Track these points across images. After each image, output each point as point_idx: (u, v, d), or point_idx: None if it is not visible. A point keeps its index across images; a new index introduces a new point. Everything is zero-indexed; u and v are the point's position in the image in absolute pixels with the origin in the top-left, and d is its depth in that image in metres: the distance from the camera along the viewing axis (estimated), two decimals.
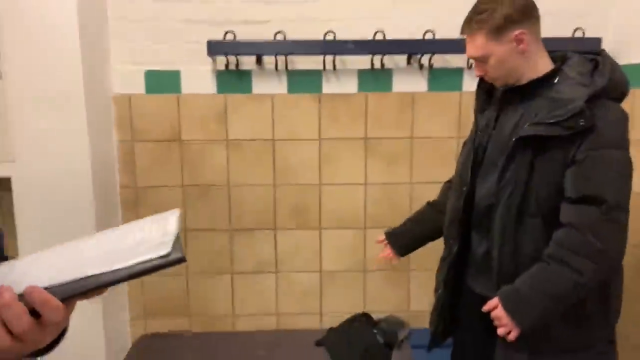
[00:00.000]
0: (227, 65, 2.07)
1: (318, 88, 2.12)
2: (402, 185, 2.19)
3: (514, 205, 1.28)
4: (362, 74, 2.11)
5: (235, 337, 2.20)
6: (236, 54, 2.05)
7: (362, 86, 2.12)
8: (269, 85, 2.12)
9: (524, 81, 1.31)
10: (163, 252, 0.50)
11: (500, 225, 1.30)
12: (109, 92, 2.08)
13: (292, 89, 2.12)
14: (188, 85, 2.11)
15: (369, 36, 2.02)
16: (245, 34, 2.04)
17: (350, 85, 2.12)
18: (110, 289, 0.51)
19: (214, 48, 2.01)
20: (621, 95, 1.28)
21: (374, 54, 2.04)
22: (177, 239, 0.52)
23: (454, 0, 2.01)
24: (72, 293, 0.49)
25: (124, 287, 2.19)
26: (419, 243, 1.69)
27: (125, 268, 0.50)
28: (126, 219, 2.16)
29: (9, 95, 1.81)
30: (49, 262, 0.57)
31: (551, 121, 1.21)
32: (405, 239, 1.68)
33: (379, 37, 2.02)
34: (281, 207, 2.19)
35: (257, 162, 2.16)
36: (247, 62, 2.10)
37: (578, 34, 2.01)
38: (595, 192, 1.18)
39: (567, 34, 2.01)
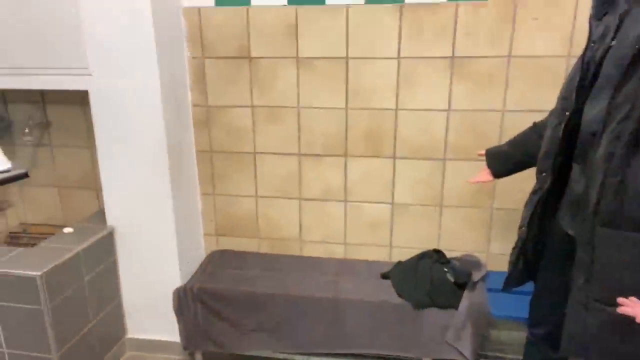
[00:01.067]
0: None
1: None
2: (492, 113, 1.90)
3: (626, 130, 1.02)
4: None
5: (302, 260, 2.20)
6: None
7: None
8: None
9: None
10: (3, 168, 0.45)
11: (605, 153, 1.06)
12: (179, 5, 2.00)
13: None
14: None
15: None
16: None
17: None
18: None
19: None
20: None
21: None
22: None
23: None
24: None
25: (197, 205, 2.25)
26: (519, 167, 1.55)
27: None
28: (198, 138, 2.17)
29: (84, 12, 1.81)
30: None
31: None
32: (503, 160, 1.57)
33: None
34: (353, 132, 2.04)
35: (328, 82, 1.99)
36: None
37: None
38: None
39: None
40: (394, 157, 2.04)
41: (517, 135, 1.57)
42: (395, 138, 2.01)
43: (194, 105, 2.13)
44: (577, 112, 1.20)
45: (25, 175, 0.46)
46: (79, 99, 2.18)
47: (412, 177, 2.05)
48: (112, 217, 2.06)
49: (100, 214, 2.12)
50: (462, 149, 1.96)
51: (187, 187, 2.15)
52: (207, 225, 2.30)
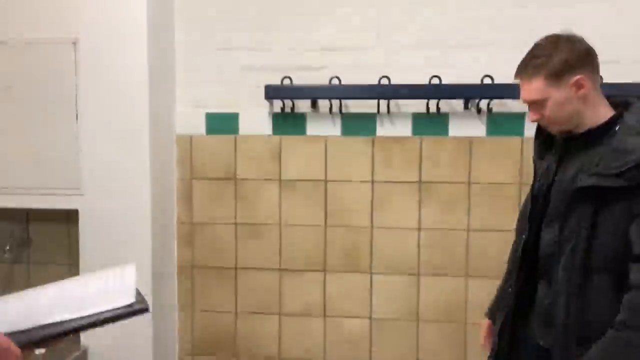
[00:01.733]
0: (282, 109, 2.13)
1: (372, 131, 2.12)
2: (458, 232, 2.10)
3: (578, 258, 1.20)
4: (417, 117, 2.09)
5: None
6: (292, 98, 2.10)
7: (416, 130, 2.10)
8: (323, 127, 2.15)
9: (584, 129, 1.25)
10: (127, 302, 0.51)
11: (565, 278, 1.22)
12: (173, 133, 2.20)
13: (345, 131, 2.14)
14: (245, 127, 2.18)
15: (424, 82, 2.00)
16: (301, 79, 2.10)
17: (404, 129, 2.10)
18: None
19: (272, 92, 2.07)
20: None
21: (428, 98, 2.02)
22: (138, 292, 0.54)
23: (511, 46, 1.99)
24: (35, 339, 0.49)
25: (173, 322, 2.24)
26: None
27: (90, 316, 0.50)
28: (181, 254, 2.23)
29: (83, 135, 1.96)
30: (11, 307, 0.58)
31: (611, 172, 1.15)
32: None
33: (435, 82, 2.00)
34: (331, 249, 2.17)
35: (309, 202, 2.17)
36: (303, 105, 2.15)
37: None
38: None
39: (630, 80, 1.89)
40: (371, 273, 2.16)
41: (502, 280, 1.57)
42: (371, 254, 2.15)
43: (180, 223, 2.23)
44: (536, 235, 1.36)
45: (145, 310, 0.50)
46: (64, 217, 2.23)
47: (389, 291, 2.16)
48: (87, 337, 2.00)
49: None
50: (433, 264, 2.12)
51: (166, 304, 2.15)
52: (183, 345, 2.26)
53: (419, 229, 2.12)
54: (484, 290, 1.75)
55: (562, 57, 1.21)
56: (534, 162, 1.44)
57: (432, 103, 2.05)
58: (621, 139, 1.18)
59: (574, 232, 1.21)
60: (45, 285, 0.63)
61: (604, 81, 1.48)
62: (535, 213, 1.36)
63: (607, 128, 1.22)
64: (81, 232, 1.99)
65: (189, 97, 2.19)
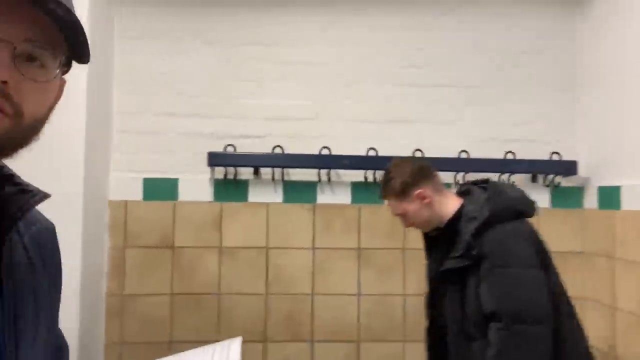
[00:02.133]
0: (225, 175, 2.15)
1: (313, 198, 2.19)
2: (395, 297, 2.18)
3: (458, 331, 1.42)
4: (355, 186, 2.21)
5: None
6: (235, 166, 2.13)
7: (355, 198, 2.20)
8: (265, 194, 2.18)
9: (444, 223, 1.51)
10: None
11: (453, 348, 1.44)
12: (106, 198, 2.10)
13: (287, 198, 2.19)
14: (185, 193, 2.15)
15: (362, 152, 2.15)
16: (244, 146, 2.15)
17: (344, 197, 2.20)
18: None
19: (214, 159, 2.09)
20: (518, 214, 1.43)
21: (367, 169, 2.15)
22: None
23: (437, 124, 2.22)
24: None
25: None
26: None
27: None
28: (109, 328, 2.06)
29: None
30: None
31: (457, 255, 1.40)
32: None
33: (372, 154, 2.15)
34: (272, 317, 2.14)
35: (249, 270, 2.14)
36: (245, 172, 2.18)
37: (555, 158, 2.18)
38: (492, 308, 1.31)
39: (546, 156, 2.18)
40: (312, 341, 2.14)
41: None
42: (312, 322, 2.15)
43: (109, 295, 2.08)
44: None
45: None
46: None
47: (330, 359, 2.15)
48: None
49: None
50: (373, 330, 2.16)
51: None
52: None
53: (359, 295, 2.17)
54: (422, 355, 1.81)
55: (400, 180, 1.51)
56: (425, 252, 1.67)
57: (370, 173, 2.18)
58: (462, 225, 1.43)
59: (452, 309, 1.43)
60: None
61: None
62: (432, 294, 1.59)
63: (456, 218, 1.48)
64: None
65: (126, 163, 2.13)
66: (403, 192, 1.51)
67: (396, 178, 1.53)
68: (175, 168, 2.16)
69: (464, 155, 2.17)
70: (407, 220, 1.57)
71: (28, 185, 0.65)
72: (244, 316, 2.13)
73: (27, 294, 0.61)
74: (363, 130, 2.20)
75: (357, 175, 2.19)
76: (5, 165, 0.65)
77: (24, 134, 0.58)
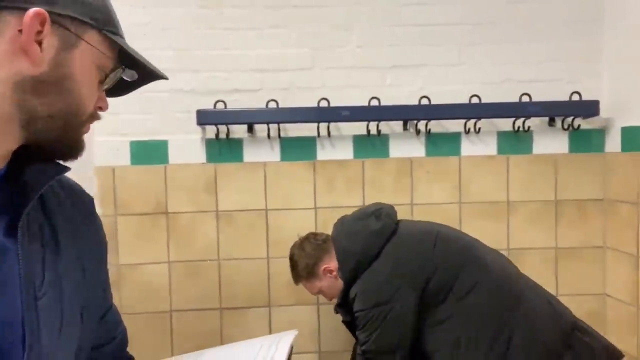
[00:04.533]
0: (217, 135, 1.99)
1: (312, 155, 2.04)
2: None
3: None
4: (357, 140, 2.05)
5: None
6: (227, 123, 1.97)
7: (358, 152, 2.05)
8: (261, 153, 2.03)
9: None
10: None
11: None
12: (92, 165, 1.97)
13: (285, 156, 2.04)
14: (176, 156, 2.01)
15: (363, 103, 1.98)
16: (236, 103, 1.99)
17: (346, 152, 2.05)
18: None
19: (204, 117, 1.93)
20: (367, 261, 1.52)
21: (369, 120, 1.99)
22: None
23: (445, 68, 2.04)
24: None
25: None
26: None
27: None
28: None
29: None
30: None
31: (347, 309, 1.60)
32: None
33: (374, 103, 1.98)
34: (276, 282, 2.04)
35: (249, 234, 2.03)
36: (238, 130, 2.02)
37: (575, 98, 2.00)
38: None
39: (565, 98, 2.00)
40: (318, 304, 2.06)
41: None
42: None
43: None
44: None
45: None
46: None
47: (337, 323, 2.06)
48: None
49: None
50: None
51: None
52: None
53: None
54: None
55: (304, 262, 1.63)
56: None
57: (372, 125, 2.02)
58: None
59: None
60: (202, 351, 0.78)
61: None
62: None
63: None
64: None
65: (110, 125, 1.97)
66: (310, 273, 1.63)
67: (299, 261, 1.65)
68: (163, 129, 2.01)
69: (474, 100, 1.99)
70: (327, 296, 1.69)
71: (49, 159, 0.64)
72: (246, 282, 2.03)
73: (49, 269, 0.61)
74: (363, 79, 2.02)
75: (359, 128, 2.02)
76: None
77: None
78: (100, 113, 0.68)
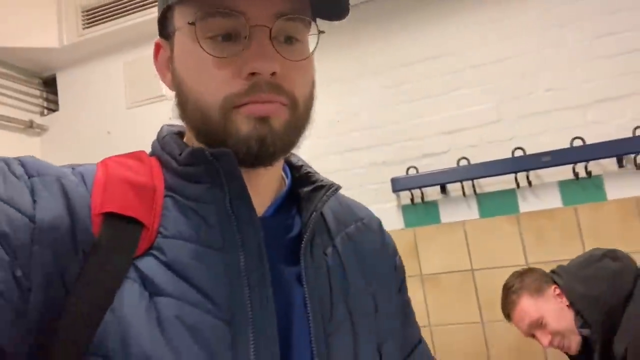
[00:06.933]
0: (412, 199, 2.06)
1: (514, 208, 1.94)
2: None
3: None
4: (564, 185, 1.89)
5: None
6: (420, 187, 2.03)
7: (567, 199, 1.89)
8: (458, 212, 2.01)
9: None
10: None
11: None
12: None
13: (484, 212, 1.98)
14: None
15: (565, 145, 1.85)
16: (427, 167, 2.04)
17: (552, 200, 1.90)
18: None
19: (398, 184, 2.03)
20: None
21: (575, 162, 1.84)
22: None
23: None
24: None
25: None
26: None
27: None
28: None
29: None
30: None
31: None
32: None
33: (577, 143, 1.83)
34: (495, 348, 1.89)
35: (458, 296, 1.96)
36: (432, 193, 2.06)
37: None
38: None
39: None
40: None
41: None
42: (544, 350, 1.84)
43: None
44: None
45: None
46: None
47: None
48: None
49: None
50: None
51: None
52: None
53: None
54: None
55: (530, 279, 1.50)
56: None
57: (579, 167, 1.85)
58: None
59: None
60: None
61: None
62: None
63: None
64: None
65: None
66: (538, 290, 1.46)
67: (525, 279, 1.53)
68: (363, 201, 2.15)
69: None
70: (553, 331, 1.44)
71: (318, 177, 0.60)
72: (463, 350, 1.92)
73: (338, 301, 0.55)
74: (559, 121, 1.91)
75: (563, 172, 1.88)
76: (295, 156, 0.61)
77: (303, 122, 0.53)
78: None
